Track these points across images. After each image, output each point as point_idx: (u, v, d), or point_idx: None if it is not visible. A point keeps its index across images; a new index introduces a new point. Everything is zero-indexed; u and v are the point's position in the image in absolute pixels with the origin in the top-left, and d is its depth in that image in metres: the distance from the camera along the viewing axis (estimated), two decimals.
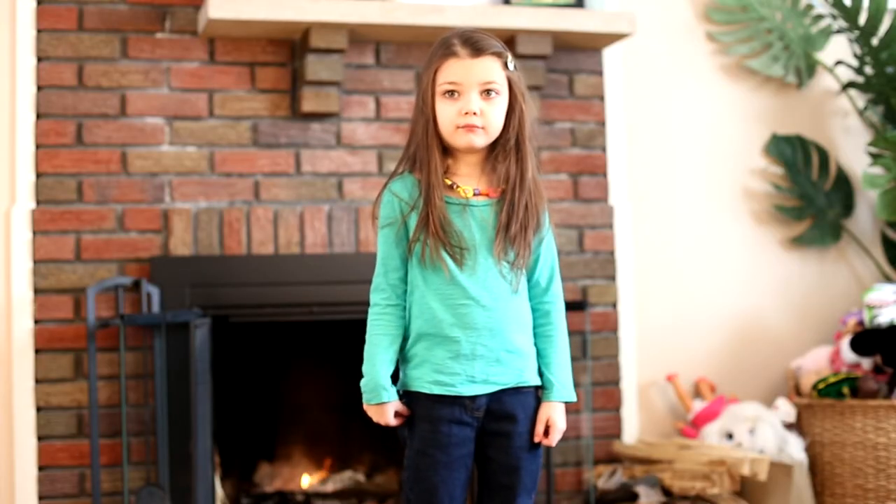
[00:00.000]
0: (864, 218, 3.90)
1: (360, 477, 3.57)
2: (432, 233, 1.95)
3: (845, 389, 3.38)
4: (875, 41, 3.70)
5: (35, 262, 3.03)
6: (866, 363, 3.41)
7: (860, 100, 3.87)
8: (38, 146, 3.06)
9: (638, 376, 3.56)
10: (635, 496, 3.19)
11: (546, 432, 2.01)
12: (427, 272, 1.97)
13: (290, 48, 3.26)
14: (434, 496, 1.95)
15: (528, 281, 2.04)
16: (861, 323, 3.50)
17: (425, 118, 1.99)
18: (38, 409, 3.00)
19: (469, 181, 2.01)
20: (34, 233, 3.04)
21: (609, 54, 3.55)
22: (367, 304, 2.02)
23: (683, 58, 3.74)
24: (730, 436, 3.40)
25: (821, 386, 3.40)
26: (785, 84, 3.83)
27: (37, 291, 3.02)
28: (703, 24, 3.77)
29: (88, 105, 3.11)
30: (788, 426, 3.48)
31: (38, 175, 3.06)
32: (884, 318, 3.39)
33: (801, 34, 3.80)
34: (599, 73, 3.54)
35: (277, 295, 3.17)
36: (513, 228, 1.97)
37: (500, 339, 1.97)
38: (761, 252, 3.79)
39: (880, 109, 3.81)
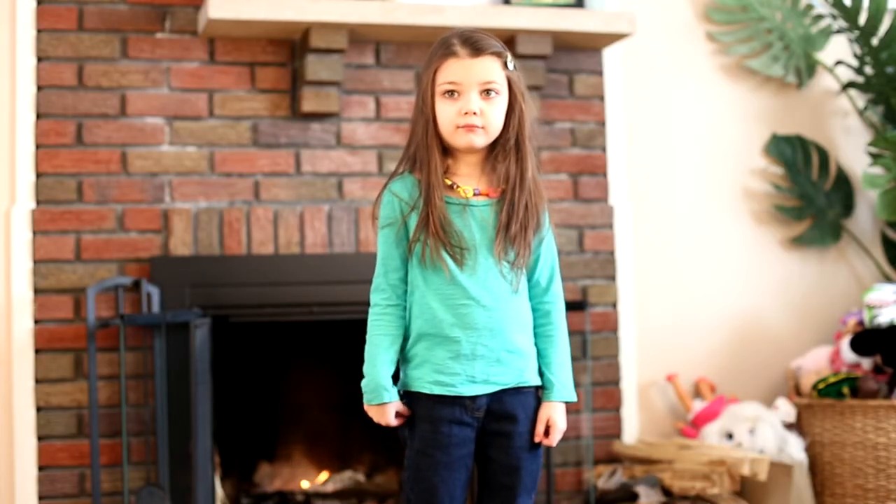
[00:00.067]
0: (864, 218, 3.90)
1: (360, 477, 3.57)
2: (432, 233, 1.95)
3: (845, 389, 3.38)
4: (875, 41, 3.70)
5: (35, 262, 3.03)
6: (866, 363, 3.41)
7: (860, 100, 3.87)
8: (38, 146, 3.06)
9: (638, 376, 3.56)
10: (635, 496, 3.19)
11: (546, 432, 2.01)
12: (427, 272, 1.97)
13: (290, 48, 3.26)
14: (434, 496, 1.95)
15: (529, 281, 2.04)
16: (861, 323, 3.50)
17: (425, 118, 1.99)
18: (38, 409, 3.00)
19: (469, 181, 2.01)
20: (34, 233, 3.04)
21: (609, 54, 3.55)
22: (367, 304, 2.02)
23: (683, 58, 3.74)
24: (730, 436, 3.40)
25: (821, 386, 3.40)
26: (785, 84, 3.83)
27: (37, 291, 3.02)
28: (703, 24, 3.76)
29: (88, 105, 3.10)
30: (788, 426, 3.48)
31: (38, 175, 3.06)
32: (884, 318, 3.38)
33: (801, 34, 3.80)
34: (599, 73, 3.54)
35: (277, 295, 3.17)
36: (513, 228, 1.97)
37: (501, 339, 1.97)
38: (761, 252, 3.79)
39: (880, 109, 3.81)
